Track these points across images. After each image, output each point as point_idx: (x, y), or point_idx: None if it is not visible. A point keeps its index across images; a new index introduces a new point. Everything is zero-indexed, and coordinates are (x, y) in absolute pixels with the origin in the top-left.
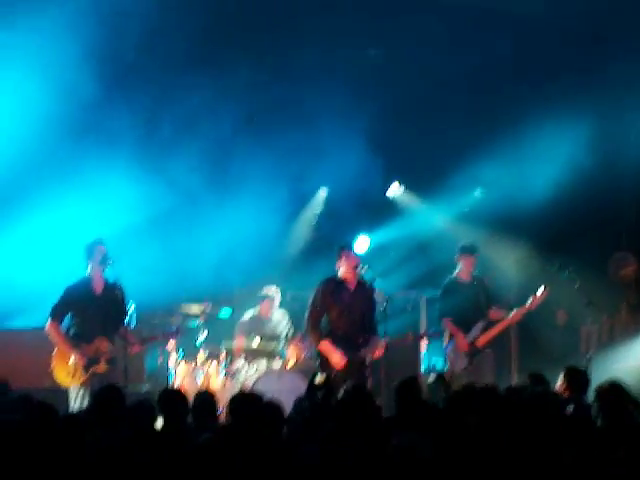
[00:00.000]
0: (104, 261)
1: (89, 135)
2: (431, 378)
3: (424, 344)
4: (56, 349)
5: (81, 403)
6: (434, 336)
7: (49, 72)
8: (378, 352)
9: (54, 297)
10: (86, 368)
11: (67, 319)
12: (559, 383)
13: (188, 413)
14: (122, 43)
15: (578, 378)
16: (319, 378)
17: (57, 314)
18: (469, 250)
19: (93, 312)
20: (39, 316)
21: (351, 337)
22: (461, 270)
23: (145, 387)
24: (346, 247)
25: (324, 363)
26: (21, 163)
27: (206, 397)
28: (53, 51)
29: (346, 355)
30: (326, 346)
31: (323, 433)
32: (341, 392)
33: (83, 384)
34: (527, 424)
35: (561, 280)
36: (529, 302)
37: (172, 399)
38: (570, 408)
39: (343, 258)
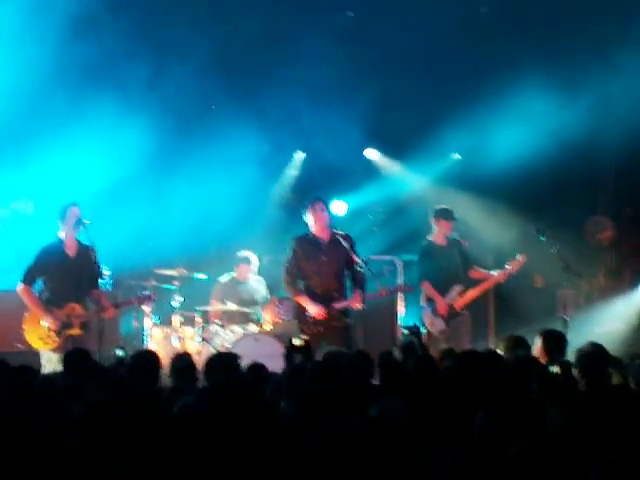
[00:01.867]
0: (78, 224)
1: (63, 96)
2: (405, 335)
3: (401, 308)
4: (28, 312)
5: (54, 367)
6: (408, 290)
7: None
8: (354, 303)
9: (27, 259)
10: (59, 332)
11: (39, 282)
12: (536, 347)
13: (159, 376)
14: None
15: (556, 342)
16: (297, 341)
17: (29, 277)
18: (445, 215)
19: (66, 275)
20: (12, 278)
21: (326, 292)
22: (436, 233)
23: (120, 351)
24: (311, 202)
25: (303, 318)
26: None
27: (185, 359)
28: None
29: (324, 307)
30: (304, 299)
31: (301, 396)
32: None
33: (56, 349)
34: (511, 388)
35: (539, 244)
36: (508, 267)
37: (145, 361)
38: (555, 369)
39: (310, 212)
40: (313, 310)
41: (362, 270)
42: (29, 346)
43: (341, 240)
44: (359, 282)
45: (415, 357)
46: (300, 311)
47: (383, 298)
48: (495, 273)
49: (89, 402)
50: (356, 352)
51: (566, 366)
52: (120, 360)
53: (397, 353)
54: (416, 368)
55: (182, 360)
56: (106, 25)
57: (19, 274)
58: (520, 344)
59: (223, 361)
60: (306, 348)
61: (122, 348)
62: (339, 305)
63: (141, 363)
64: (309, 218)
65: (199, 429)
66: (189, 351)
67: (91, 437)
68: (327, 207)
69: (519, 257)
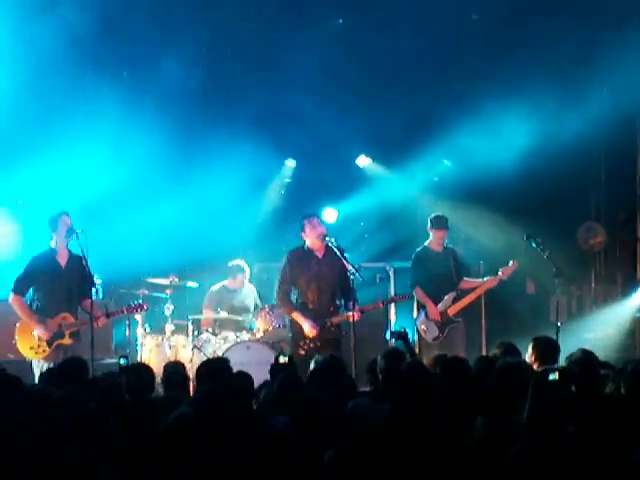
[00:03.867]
0: (69, 233)
1: (53, 103)
2: (393, 341)
3: (393, 315)
4: (20, 321)
5: None
6: (402, 300)
7: None
8: (353, 316)
9: (19, 269)
10: (50, 342)
11: (31, 292)
12: (528, 353)
13: (154, 386)
14: None
15: (547, 348)
16: (282, 359)
17: (21, 286)
18: (440, 222)
19: (57, 285)
20: (3, 288)
21: (321, 306)
22: (433, 241)
23: (112, 360)
24: (308, 216)
25: (298, 333)
26: None
27: (176, 368)
28: None
29: (318, 323)
30: (297, 316)
31: (292, 404)
32: (312, 364)
33: (47, 358)
34: (502, 394)
35: (530, 250)
36: (500, 273)
37: (137, 371)
38: (554, 375)
39: (307, 228)
40: (307, 327)
41: (354, 277)
42: (20, 355)
43: (335, 251)
44: (352, 292)
45: (403, 362)
46: (296, 326)
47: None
48: (486, 279)
49: (84, 412)
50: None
51: (564, 373)
52: (123, 368)
53: (380, 360)
54: (406, 373)
55: (173, 369)
56: (112, 28)
57: (10, 283)
58: (511, 351)
59: (214, 367)
60: (291, 365)
61: (125, 357)
62: (336, 320)
63: (134, 374)
64: (305, 232)
65: (194, 438)
66: (181, 359)
67: (84, 447)
68: (322, 221)
69: (511, 263)
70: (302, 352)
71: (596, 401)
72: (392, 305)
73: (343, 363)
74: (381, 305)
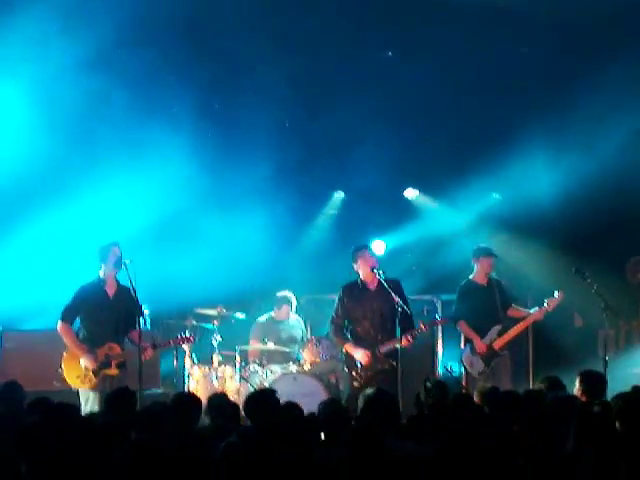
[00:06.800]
0: (118, 263)
1: (102, 136)
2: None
3: (440, 348)
4: (66, 351)
5: (92, 406)
6: (443, 322)
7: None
8: (401, 341)
9: (67, 299)
10: (96, 372)
11: (78, 321)
12: (576, 387)
13: (200, 416)
14: None
15: (595, 382)
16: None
17: (68, 315)
18: (485, 252)
19: (105, 315)
20: (52, 318)
21: (375, 337)
22: (477, 273)
23: (159, 391)
24: (360, 248)
25: (351, 364)
26: (37, 161)
27: (222, 399)
28: None
29: (369, 352)
30: (349, 347)
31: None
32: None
33: (94, 388)
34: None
35: (578, 284)
36: (546, 304)
37: (185, 402)
38: (597, 409)
39: (359, 260)
40: (359, 356)
41: (401, 310)
42: (67, 385)
43: (388, 284)
44: (406, 321)
45: (451, 394)
46: (349, 358)
47: (424, 334)
48: (533, 311)
49: (132, 443)
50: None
51: (607, 406)
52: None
53: (422, 392)
54: (453, 405)
55: (219, 400)
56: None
57: (57, 313)
58: (556, 385)
59: (262, 398)
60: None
61: None
62: (384, 347)
63: (182, 404)
64: (357, 264)
65: (243, 470)
66: (228, 390)
67: (133, 478)
68: (372, 253)
69: (557, 294)
70: (356, 384)
71: None
72: (439, 338)
73: (390, 396)
74: (425, 328)
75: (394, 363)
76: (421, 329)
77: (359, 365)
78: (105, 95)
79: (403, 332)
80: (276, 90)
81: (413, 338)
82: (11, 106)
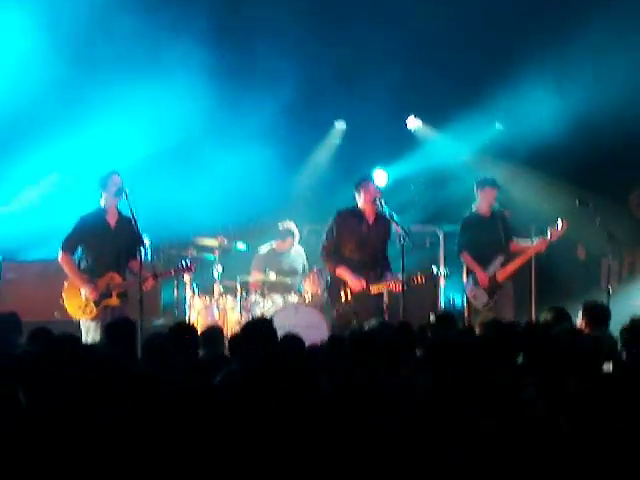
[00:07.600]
0: (119, 193)
1: (104, 66)
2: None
3: (442, 280)
4: (67, 281)
5: (93, 336)
6: (448, 276)
7: None
8: (394, 286)
9: (68, 229)
10: (97, 302)
11: (79, 251)
12: (579, 319)
13: (198, 346)
14: None
15: (598, 313)
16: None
17: (69, 245)
18: (488, 183)
19: (106, 245)
20: (53, 248)
21: (366, 267)
22: (480, 204)
23: (160, 321)
24: (365, 179)
25: (336, 295)
26: (38, 86)
27: (216, 332)
28: None
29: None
30: (343, 271)
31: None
32: (354, 323)
33: (95, 318)
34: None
35: (581, 215)
36: (549, 234)
37: (183, 333)
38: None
39: (362, 190)
40: (353, 283)
41: (404, 242)
42: (68, 315)
43: (384, 214)
44: (388, 262)
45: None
46: (334, 288)
47: (425, 262)
48: (535, 242)
49: (133, 375)
50: (398, 323)
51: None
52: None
53: (432, 318)
54: (456, 338)
55: (212, 332)
56: None
57: (58, 243)
58: (562, 316)
59: (260, 327)
60: None
61: None
62: (376, 289)
63: (180, 335)
64: (359, 194)
65: (242, 398)
66: (229, 321)
67: (134, 409)
68: (377, 187)
69: (559, 223)
70: (340, 313)
71: None
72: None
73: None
74: (420, 279)
75: (382, 302)
76: (417, 279)
77: (342, 296)
78: (113, 15)
79: (384, 272)
80: (282, 24)
81: (404, 285)
82: (14, 28)
